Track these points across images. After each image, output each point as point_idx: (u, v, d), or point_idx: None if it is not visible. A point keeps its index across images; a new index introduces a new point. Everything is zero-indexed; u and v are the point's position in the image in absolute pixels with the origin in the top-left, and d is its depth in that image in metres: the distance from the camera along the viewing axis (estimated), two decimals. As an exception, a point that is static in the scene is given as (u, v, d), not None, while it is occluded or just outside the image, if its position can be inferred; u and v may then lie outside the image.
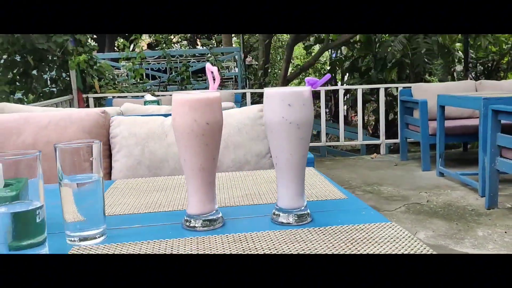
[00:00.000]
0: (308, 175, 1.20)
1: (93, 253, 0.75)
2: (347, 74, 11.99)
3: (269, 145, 0.83)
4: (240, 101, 5.65)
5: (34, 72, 5.48)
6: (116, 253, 0.74)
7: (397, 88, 6.45)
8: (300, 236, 0.77)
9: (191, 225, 0.83)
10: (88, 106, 5.81)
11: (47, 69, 5.70)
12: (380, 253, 0.70)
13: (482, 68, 11.32)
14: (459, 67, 10.68)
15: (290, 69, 14.41)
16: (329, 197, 0.99)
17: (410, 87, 5.41)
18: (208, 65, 0.82)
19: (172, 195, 1.09)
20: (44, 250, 0.73)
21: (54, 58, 5.60)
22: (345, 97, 11.06)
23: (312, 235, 0.78)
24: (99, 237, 0.80)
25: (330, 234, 0.78)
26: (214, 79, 0.82)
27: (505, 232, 3.06)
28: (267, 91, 0.80)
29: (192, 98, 0.78)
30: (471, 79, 10.26)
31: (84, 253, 0.76)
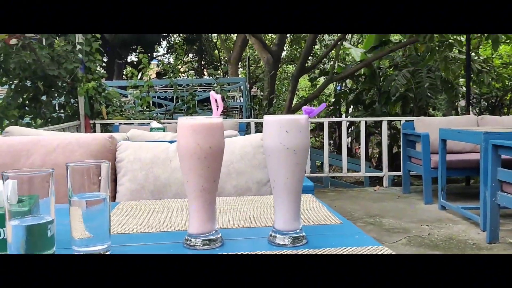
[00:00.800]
0: (307, 201, 1.24)
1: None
2: (352, 106, 12.11)
3: (268, 169, 0.88)
4: (244, 130, 5.72)
5: (44, 97, 5.59)
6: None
7: (400, 121, 6.51)
8: (295, 256, 0.81)
9: (191, 244, 0.87)
10: (94, 132, 5.89)
11: (56, 95, 5.81)
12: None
13: (486, 103, 11.41)
14: (463, 102, 10.77)
15: (295, 100, 14.57)
16: (325, 221, 1.03)
17: (413, 120, 5.47)
18: (212, 93, 0.88)
19: (174, 216, 1.13)
20: (52, 263, 0.77)
21: (64, 85, 5.72)
22: (349, 129, 11.14)
23: (306, 256, 0.81)
24: (104, 253, 0.84)
25: (323, 255, 0.82)
26: (217, 107, 0.88)
27: (506, 267, 3.05)
28: (266, 118, 0.86)
29: (196, 123, 0.83)
30: (475, 114, 10.35)
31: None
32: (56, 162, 1.94)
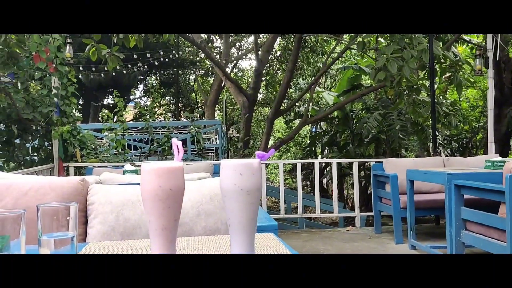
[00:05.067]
0: (266, 239, 1.31)
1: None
2: (326, 148, 12.35)
3: (225, 209, 0.96)
4: (219, 172, 5.78)
5: (17, 140, 5.58)
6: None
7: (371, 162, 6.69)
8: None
9: (154, 279, 0.94)
10: (68, 175, 5.88)
11: (30, 138, 5.82)
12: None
13: (456, 145, 11.77)
14: (433, 144, 11.10)
15: (271, 141, 14.76)
16: (280, 257, 1.11)
17: (382, 161, 5.64)
18: (173, 140, 0.97)
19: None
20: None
21: (38, 128, 5.74)
22: (325, 170, 11.32)
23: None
24: (70, 289, 0.90)
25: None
26: (178, 152, 0.97)
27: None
28: (223, 162, 0.95)
29: (158, 167, 0.92)
30: (446, 155, 10.67)
31: None
32: (28, 205, 1.97)
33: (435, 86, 8.95)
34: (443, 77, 9.08)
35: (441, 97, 10.78)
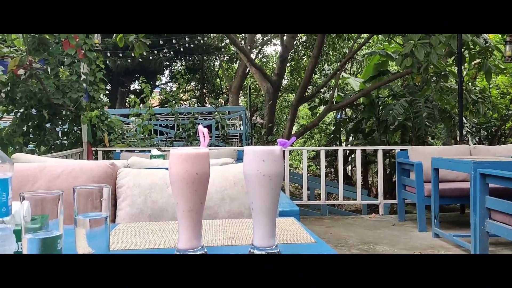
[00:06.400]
0: (288, 224, 1.36)
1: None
2: (351, 135, 12.27)
3: (247, 193, 1.01)
4: (242, 158, 5.84)
5: (48, 125, 5.75)
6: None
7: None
8: (270, 269, 0.93)
9: (181, 258, 0.99)
10: (96, 159, 6.03)
11: (60, 123, 5.98)
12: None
13: (485, 133, 11.52)
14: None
15: (295, 128, 14.75)
16: (301, 241, 1.16)
17: (407, 149, 5.60)
18: (199, 127, 1.02)
19: (168, 236, 1.25)
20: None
21: (68, 113, 5.89)
22: (350, 157, 11.27)
23: (280, 269, 0.93)
24: (103, 265, 0.96)
25: (295, 268, 0.93)
26: (204, 138, 1.02)
27: (495, 293, 3.13)
28: (246, 149, 0.99)
29: (185, 152, 0.97)
30: (475, 143, 10.46)
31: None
32: (60, 187, 2.06)
33: (464, 73, 8.78)
34: (472, 63, 8.89)
35: (469, 84, 10.56)
